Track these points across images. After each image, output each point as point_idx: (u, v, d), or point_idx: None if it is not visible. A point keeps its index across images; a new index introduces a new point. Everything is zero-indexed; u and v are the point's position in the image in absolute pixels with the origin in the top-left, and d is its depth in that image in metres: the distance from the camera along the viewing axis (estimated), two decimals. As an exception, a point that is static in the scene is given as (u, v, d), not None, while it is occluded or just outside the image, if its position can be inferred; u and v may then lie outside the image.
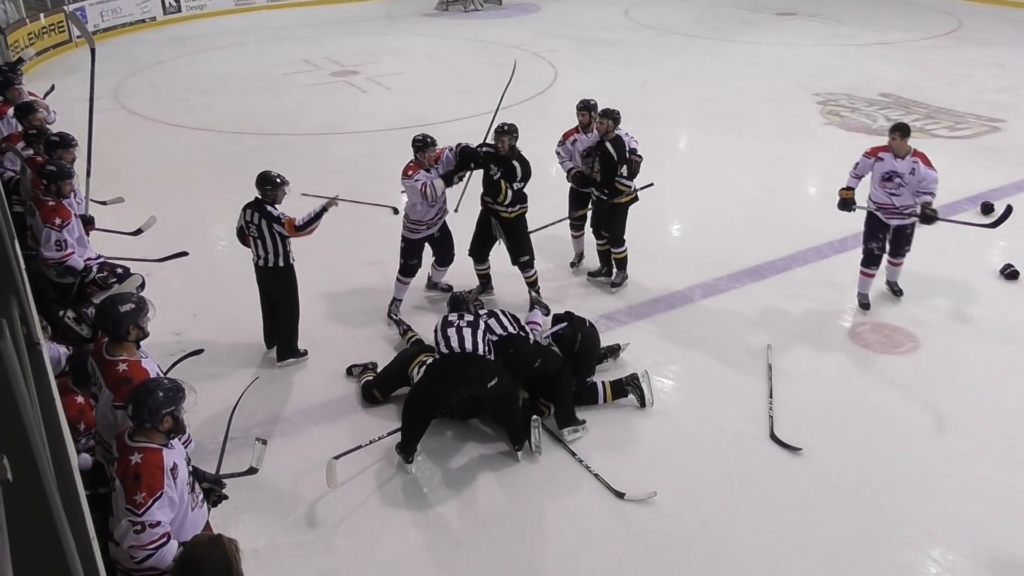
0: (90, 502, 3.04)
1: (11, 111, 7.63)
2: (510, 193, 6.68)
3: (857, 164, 6.85)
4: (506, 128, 6.66)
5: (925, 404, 5.84)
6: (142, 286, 5.68)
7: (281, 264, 6.01)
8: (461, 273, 7.24)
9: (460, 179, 6.80)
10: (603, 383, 5.80)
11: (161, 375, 3.92)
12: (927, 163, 6.58)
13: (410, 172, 6.59)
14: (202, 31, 19.28)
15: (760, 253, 7.97)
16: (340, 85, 14.70)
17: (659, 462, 5.29)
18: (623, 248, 7.26)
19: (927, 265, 7.76)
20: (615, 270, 7.40)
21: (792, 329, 6.76)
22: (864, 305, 7.04)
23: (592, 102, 7.20)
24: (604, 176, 6.95)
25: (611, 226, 7.16)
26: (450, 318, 5.38)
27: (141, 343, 4.07)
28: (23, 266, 4.06)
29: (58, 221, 5.56)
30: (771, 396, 5.85)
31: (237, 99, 13.85)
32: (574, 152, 7.29)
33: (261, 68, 15.83)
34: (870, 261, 6.96)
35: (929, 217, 6.50)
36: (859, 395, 5.95)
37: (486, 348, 5.20)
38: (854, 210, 6.90)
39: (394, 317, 6.82)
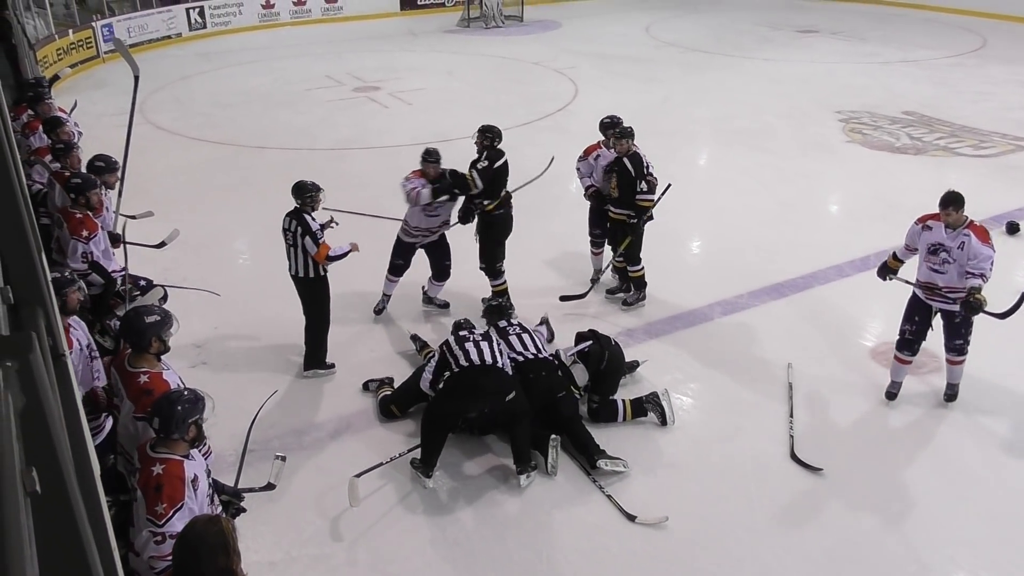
0: (110, 511, 3.07)
1: (42, 126, 7.73)
2: (476, 176, 6.80)
3: (908, 232, 5.88)
4: (488, 128, 6.92)
5: (948, 426, 5.78)
6: (164, 298, 5.75)
7: (312, 275, 6.08)
8: (467, 287, 7.26)
9: (452, 197, 6.89)
10: (623, 401, 5.78)
11: (182, 387, 3.96)
12: (983, 237, 5.43)
13: (410, 175, 6.81)
14: (227, 47, 19.51)
15: (780, 271, 7.94)
16: (361, 100, 14.81)
17: (678, 481, 5.26)
18: (640, 267, 7.25)
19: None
20: (631, 288, 7.40)
21: (813, 348, 6.72)
22: (890, 395, 6.02)
23: (618, 119, 7.23)
24: (623, 193, 6.97)
25: (627, 244, 7.16)
26: (462, 333, 5.42)
27: (162, 357, 4.10)
28: (49, 277, 4.11)
29: (85, 233, 5.62)
30: (791, 416, 5.82)
31: (260, 114, 13.98)
32: (596, 167, 7.30)
33: (284, 83, 15.99)
34: (902, 345, 5.88)
35: (973, 307, 5.27)
36: (881, 416, 5.91)
37: (503, 361, 5.22)
38: (890, 279, 6.03)
39: (410, 332, 6.84)
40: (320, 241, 5.94)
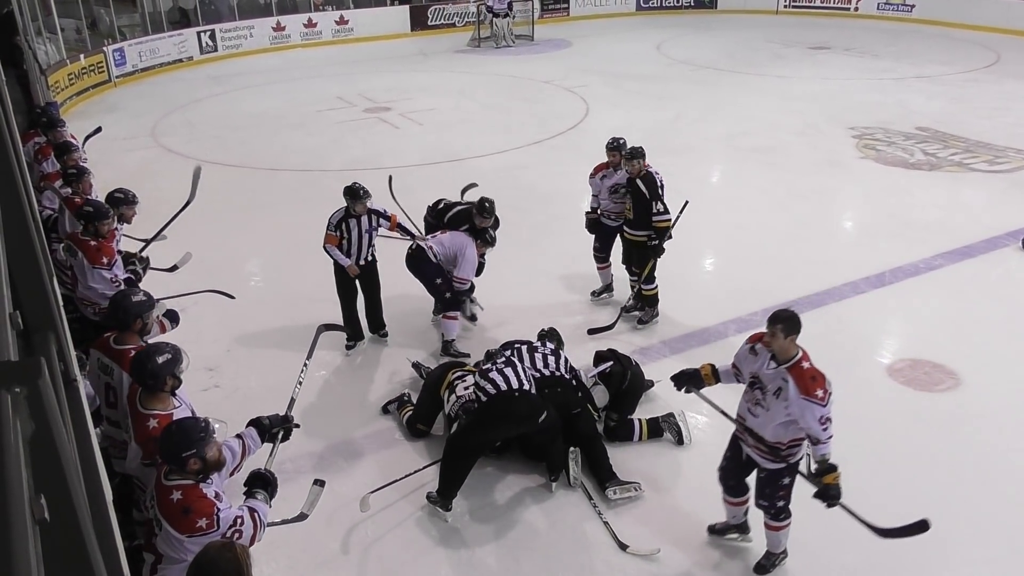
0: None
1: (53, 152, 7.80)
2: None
3: (738, 351, 4.59)
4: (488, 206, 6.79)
5: (968, 444, 5.73)
6: (171, 316, 5.70)
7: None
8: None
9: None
10: (639, 421, 5.77)
11: (192, 416, 3.93)
12: (806, 388, 4.08)
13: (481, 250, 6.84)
14: (237, 70, 19.68)
15: (795, 288, 7.90)
16: (373, 121, 14.90)
17: (694, 501, 5.21)
18: (653, 285, 7.24)
19: (968, 300, 7.66)
20: (645, 307, 7.38)
21: (828, 366, 6.57)
22: (711, 529, 4.91)
23: (623, 141, 7.25)
24: (638, 215, 6.98)
25: (642, 263, 7.16)
26: (486, 366, 5.33)
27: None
28: (61, 302, 4.13)
29: (105, 260, 5.62)
30: (808, 434, 5.77)
31: (271, 136, 14.08)
32: (602, 187, 7.34)
33: (295, 105, 16.10)
34: (720, 480, 4.70)
35: (828, 496, 4.17)
36: (899, 434, 5.86)
37: (531, 384, 5.20)
38: (687, 392, 4.74)
39: (411, 360, 6.81)
40: (328, 232, 6.63)
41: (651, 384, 6.25)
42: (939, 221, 9.55)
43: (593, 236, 7.64)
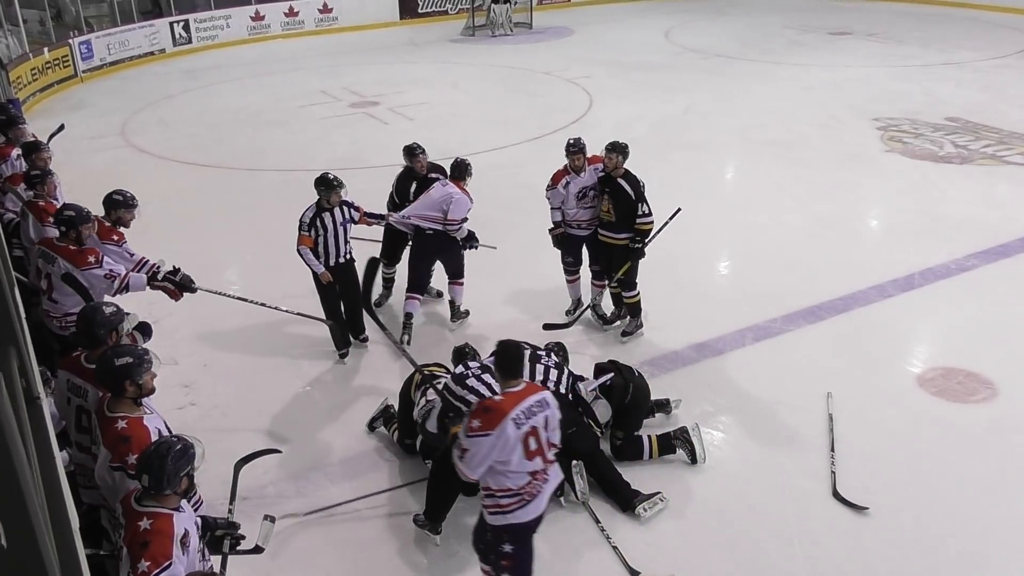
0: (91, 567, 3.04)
1: (15, 152, 7.77)
2: None
3: None
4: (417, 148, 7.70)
5: (1004, 458, 5.71)
6: (143, 329, 5.69)
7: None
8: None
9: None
10: (649, 437, 5.74)
11: (166, 433, 3.92)
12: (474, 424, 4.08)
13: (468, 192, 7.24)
14: (214, 63, 19.70)
15: (817, 292, 7.90)
16: (360, 117, 14.91)
17: (710, 523, 5.21)
18: (635, 292, 7.18)
19: (1004, 304, 7.65)
20: (628, 317, 7.33)
21: (854, 375, 6.66)
22: None
23: (583, 142, 7.16)
24: (620, 217, 6.92)
25: (621, 267, 7.07)
26: (460, 371, 5.30)
27: (146, 399, 4.06)
28: (23, 315, 4.11)
29: (92, 259, 5.60)
30: (833, 449, 5.76)
31: (251, 134, 14.09)
32: (568, 195, 7.16)
33: (276, 101, 16.11)
34: None
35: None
36: (931, 448, 5.84)
37: None
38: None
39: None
40: (301, 233, 6.62)
41: (668, 405, 6.18)
42: (972, 218, 9.55)
43: (561, 251, 7.51)
